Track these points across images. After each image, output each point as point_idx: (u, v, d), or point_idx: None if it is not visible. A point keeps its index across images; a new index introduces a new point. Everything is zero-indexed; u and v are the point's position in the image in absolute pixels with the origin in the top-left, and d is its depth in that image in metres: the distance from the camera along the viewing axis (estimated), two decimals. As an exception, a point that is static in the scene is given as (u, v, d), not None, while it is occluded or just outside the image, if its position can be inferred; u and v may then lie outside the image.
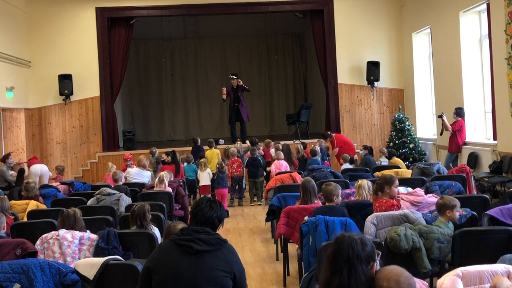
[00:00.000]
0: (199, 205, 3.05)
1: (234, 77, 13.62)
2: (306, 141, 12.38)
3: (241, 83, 13.47)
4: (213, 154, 11.21)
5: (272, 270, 6.24)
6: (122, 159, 12.07)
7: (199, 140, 12.21)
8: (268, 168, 10.53)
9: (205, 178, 10.23)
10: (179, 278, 2.84)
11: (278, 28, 17.57)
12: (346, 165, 9.87)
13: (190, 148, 12.30)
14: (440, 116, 10.77)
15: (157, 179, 7.60)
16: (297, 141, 12.19)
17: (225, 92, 13.46)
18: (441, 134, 10.96)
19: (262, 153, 11.28)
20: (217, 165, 10.28)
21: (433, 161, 10.09)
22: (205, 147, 11.83)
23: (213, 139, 12.16)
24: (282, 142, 11.62)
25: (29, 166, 10.61)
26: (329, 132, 11.98)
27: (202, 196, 5.67)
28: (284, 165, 9.77)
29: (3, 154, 11.07)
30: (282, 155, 9.94)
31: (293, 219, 5.36)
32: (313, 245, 4.59)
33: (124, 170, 9.80)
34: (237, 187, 10.84)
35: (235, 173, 10.62)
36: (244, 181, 11.02)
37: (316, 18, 14.24)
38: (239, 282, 2.95)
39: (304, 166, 10.02)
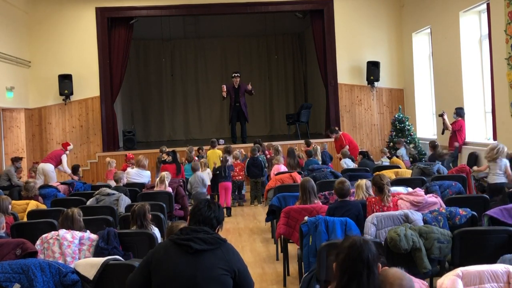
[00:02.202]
0: (197, 205, 3.10)
1: (237, 75, 13.63)
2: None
3: (250, 87, 13.47)
4: (214, 154, 11.14)
5: (272, 270, 6.24)
6: (122, 159, 12.07)
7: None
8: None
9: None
10: (179, 278, 2.86)
11: (278, 28, 17.56)
12: (346, 160, 9.87)
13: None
14: (441, 115, 10.79)
15: (157, 179, 7.60)
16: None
17: (225, 90, 13.46)
18: (442, 133, 10.97)
19: (268, 155, 11.25)
20: (221, 159, 10.24)
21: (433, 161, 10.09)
22: (207, 147, 11.82)
23: (215, 139, 12.11)
24: (280, 143, 11.60)
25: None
26: (336, 128, 11.98)
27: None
28: (282, 169, 9.73)
29: (14, 156, 11.06)
30: (282, 159, 9.86)
31: (293, 219, 5.36)
32: (313, 245, 4.59)
33: (124, 169, 9.83)
34: (236, 192, 10.77)
35: (237, 177, 10.58)
36: (244, 186, 11.00)
37: (316, 18, 14.24)
38: (243, 278, 2.97)
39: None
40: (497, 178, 6.84)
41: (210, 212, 3.04)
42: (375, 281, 2.42)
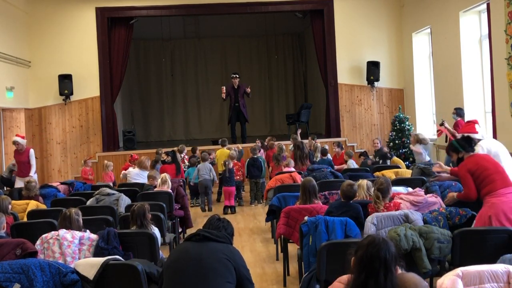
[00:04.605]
0: (209, 219, 3.52)
1: (236, 76, 13.62)
2: (305, 141, 12.26)
3: (249, 90, 13.42)
4: (223, 154, 11.01)
5: (272, 270, 6.24)
6: (122, 159, 12.07)
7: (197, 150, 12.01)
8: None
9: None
10: (185, 256, 3.21)
11: (278, 28, 17.57)
12: (351, 161, 9.90)
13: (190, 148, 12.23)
14: (441, 125, 10.58)
15: (159, 180, 7.58)
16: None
17: (224, 91, 13.46)
18: (446, 141, 10.81)
19: (264, 155, 11.18)
20: (226, 162, 10.26)
21: (433, 161, 10.07)
22: (217, 146, 11.83)
23: (225, 138, 12.05)
24: (281, 143, 11.57)
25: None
26: (343, 146, 11.97)
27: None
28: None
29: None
30: (292, 163, 9.58)
31: (293, 219, 5.36)
32: (313, 245, 4.59)
33: (126, 168, 9.85)
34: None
35: (235, 177, 10.54)
36: (242, 186, 10.98)
37: (316, 18, 14.24)
38: (244, 279, 3.23)
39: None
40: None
41: (219, 223, 3.43)
42: (393, 282, 2.39)
